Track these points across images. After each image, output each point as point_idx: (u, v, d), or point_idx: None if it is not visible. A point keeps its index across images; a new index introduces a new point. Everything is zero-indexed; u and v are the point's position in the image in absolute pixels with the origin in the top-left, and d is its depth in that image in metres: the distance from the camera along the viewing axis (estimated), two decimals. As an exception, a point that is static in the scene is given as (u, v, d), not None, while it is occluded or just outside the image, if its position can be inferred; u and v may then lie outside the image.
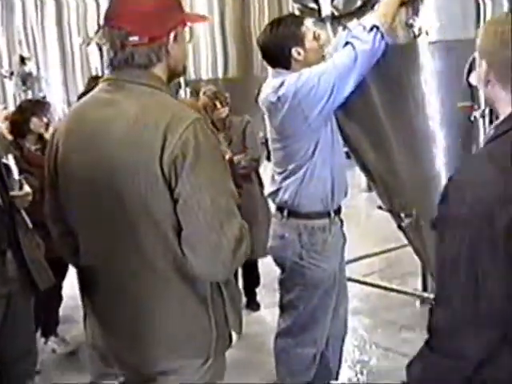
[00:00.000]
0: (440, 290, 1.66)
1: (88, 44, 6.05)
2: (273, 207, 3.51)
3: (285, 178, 3.24)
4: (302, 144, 3.14)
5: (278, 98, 3.09)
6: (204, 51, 5.77)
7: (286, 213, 3.28)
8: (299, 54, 3.13)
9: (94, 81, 4.92)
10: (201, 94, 5.04)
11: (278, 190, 3.29)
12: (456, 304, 1.58)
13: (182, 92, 5.48)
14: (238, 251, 1.89)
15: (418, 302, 5.03)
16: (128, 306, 2.02)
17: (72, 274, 2.56)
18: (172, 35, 1.98)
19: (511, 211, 1.51)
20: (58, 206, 2.13)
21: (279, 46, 3.14)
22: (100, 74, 5.92)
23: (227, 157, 4.74)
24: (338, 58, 3.02)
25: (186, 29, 2.08)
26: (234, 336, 2.15)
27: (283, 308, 3.42)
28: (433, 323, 1.65)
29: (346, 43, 3.01)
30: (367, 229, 7.27)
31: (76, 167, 2.00)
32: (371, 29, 2.95)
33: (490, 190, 1.54)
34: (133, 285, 1.99)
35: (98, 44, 5.84)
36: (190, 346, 2.01)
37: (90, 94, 2.08)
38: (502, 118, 1.71)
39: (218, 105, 4.98)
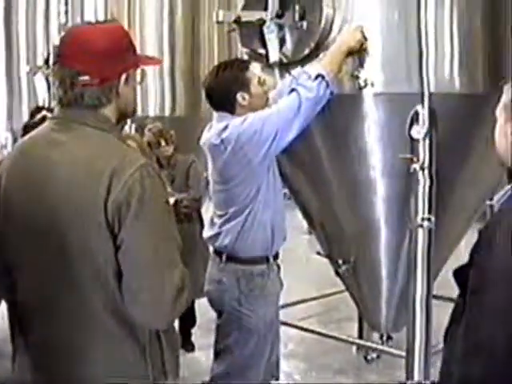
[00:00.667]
0: (479, 335, 1.66)
1: (35, 73, 5.99)
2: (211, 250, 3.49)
3: (225, 222, 3.23)
4: (244, 188, 3.14)
5: (222, 141, 3.10)
6: (152, 88, 5.77)
7: (224, 257, 3.25)
8: (244, 98, 3.14)
9: (38, 111, 4.87)
10: (146, 130, 5.03)
11: (217, 234, 3.27)
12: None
13: (127, 128, 5.44)
14: (179, 301, 1.87)
15: (353, 348, 5.05)
16: (62, 348, 1.96)
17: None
18: (123, 77, 1.96)
19: None
20: None
21: (224, 90, 3.15)
22: (46, 105, 5.86)
23: (172, 200, 4.73)
24: (282, 105, 3.05)
25: (138, 71, 2.08)
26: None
27: (219, 352, 3.38)
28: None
29: (292, 90, 3.05)
30: (307, 272, 7.28)
31: (18, 205, 1.95)
32: (316, 77, 2.99)
33: None
34: (68, 327, 1.94)
35: (45, 74, 5.79)
36: None
37: (37, 131, 2.05)
38: None
39: (163, 142, 4.97)
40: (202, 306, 5.02)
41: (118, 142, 1.97)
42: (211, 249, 3.42)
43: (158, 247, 1.85)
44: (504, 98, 1.85)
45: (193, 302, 5.18)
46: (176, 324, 5.19)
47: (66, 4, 5.91)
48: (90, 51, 1.90)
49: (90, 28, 2.02)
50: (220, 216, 3.26)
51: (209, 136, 3.22)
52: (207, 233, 3.39)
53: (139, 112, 5.56)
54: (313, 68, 3.08)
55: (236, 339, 3.28)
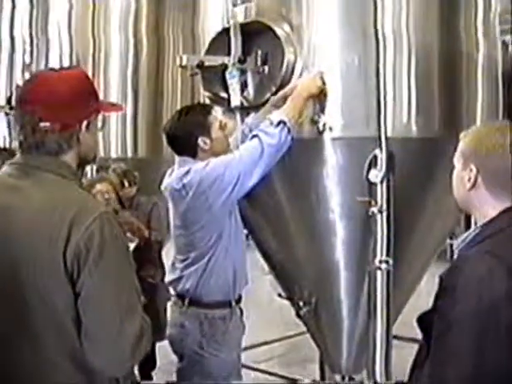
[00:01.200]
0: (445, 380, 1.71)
1: (-4, 113, 5.98)
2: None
3: (187, 267, 3.23)
4: (205, 233, 3.15)
5: (183, 186, 3.11)
6: (114, 130, 5.79)
7: (187, 301, 3.25)
8: (205, 143, 3.18)
9: (-2, 151, 4.89)
10: (110, 170, 5.04)
11: (179, 278, 3.27)
12: None
13: (88, 169, 5.44)
14: (138, 348, 1.88)
15: (316, 390, 5.04)
16: None
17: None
18: (84, 124, 1.99)
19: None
20: None
21: (186, 135, 3.19)
22: (7, 145, 5.85)
23: (132, 246, 4.72)
24: (244, 151, 3.08)
25: (100, 117, 2.11)
26: None
27: None
28: None
29: (253, 136, 3.09)
30: (269, 313, 7.28)
31: None
32: (278, 124, 3.03)
33: (498, 287, 1.66)
34: (25, 374, 1.92)
35: (6, 114, 5.77)
36: None
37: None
38: (485, 219, 1.84)
39: (126, 183, 4.99)
40: (163, 348, 5.00)
41: (78, 190, 1.99)
42: (172, 292, 3.41)
43: (117, 295, 1.86)
44: (460, 146, 1.92)
45: (153, 345, 5.14)
46: (136, 366, 5.17)
47: (31, 44, 5.92)
48: (51, 98, 1.95)
49: (54, 75, 2.05)
50: (181, 260, 3.27)
51: (170, 181, 3.24)
52: (169, 277, 3.39)
53: (101, 153, 5.63)
54: (275, 114, 3.11)
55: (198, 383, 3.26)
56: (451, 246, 2.16)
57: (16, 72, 6.02)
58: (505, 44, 5.91)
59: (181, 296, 3.29)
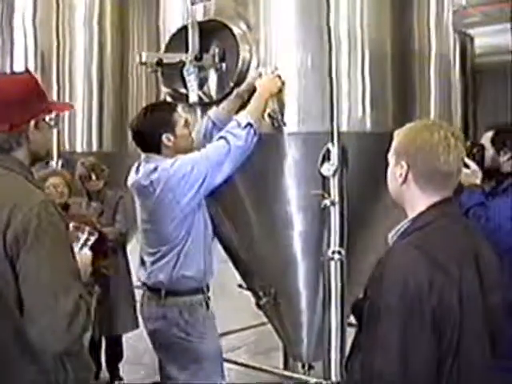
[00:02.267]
0: (373, 364, 1.82)
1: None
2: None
3: (157, 260, 3.30)
4: (175, 227, 3.21)
5: (151, 182, 3.18)
6: (80, 124, 5.83)
7: (163, 293, 3.30)
8: (169, 140, 3.23)
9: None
10: (79, 163, 5.10)
11: (151, 272, 3.33)
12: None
13: (53, 163, 5.48)
14: (72, 324, 1.99)
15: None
16: None
17: None
18: (32, 123, 2.12)
19: (435, 296, 1.77)
20: None
21: (150, 131, 3.25)
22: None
23: (96, 235, 4.76)
24: (211, 151, 3.17)
25: (52, 115, 2.22)
26: None
27: None
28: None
29: (220, 137, 3.17)
30: (235, 304, 7.35)
31: None
32: (246, 126, 3.13)
33: (421, 276, 1.78)
34: None
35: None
36: None
37: None
38: (415, 213, 1.95)
39: (94, 177, 5.04)
40: (130, 340, 5.08)
41: (25, 182, 2.11)
42: (145, 288, 3.45)
43: (52, 274, 1.98)
44: (394, 143, 2.03)
45: (120, 336, 5.21)
46: (103, 359, 5.24)
47: (-5, 41, 5.94)
48: (0, 100, 2.08)
49: (2, 78, 2.25)
50: (151, 254, 3.33)
51: (136, 177, 3.29)
52: (140, 272, 3.45)
53: (67, 147, 5.67)
54: (241, 115, 3.20)
55: (191, 370, 3.32)
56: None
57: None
58: (469, 36, 6.06)
59: (156, 289, 3.34)
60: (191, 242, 3.25)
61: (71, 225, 2.42)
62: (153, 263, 3.32)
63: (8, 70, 5.80)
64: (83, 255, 2.39)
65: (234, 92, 3.39)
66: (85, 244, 2.47)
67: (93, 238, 2.55)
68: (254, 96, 3.28)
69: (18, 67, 5.81)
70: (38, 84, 2.20)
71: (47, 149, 2.27)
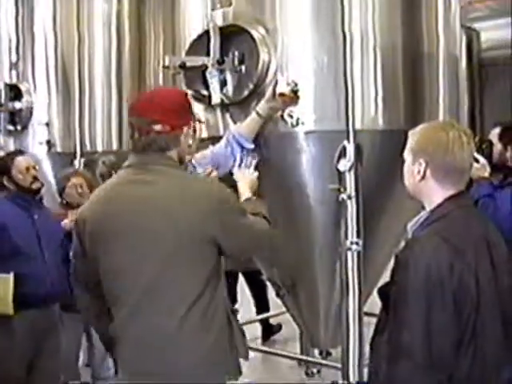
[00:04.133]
0: (400, 341, 2.02)
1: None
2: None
3: None
4: None
5: None
6: (100, 124, 6.03)
7: None
8: None
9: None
10: (100, 162, 5.27)
11: None
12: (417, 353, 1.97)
13: (76, 162, 5.68)
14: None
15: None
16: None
17: None
18: (185, 129, 2.47)
19: (455, 279, 1.96)
20: (87, 271, 2.51)
21: None
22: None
23: None
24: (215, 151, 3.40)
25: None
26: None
27: None
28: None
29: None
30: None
31: (119, 232, 2.40)
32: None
33: (442, 261, 1.97)
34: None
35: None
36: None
37: (117, 178, 2.52)
38: (433, 205, 2.14)
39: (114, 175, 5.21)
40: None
41: (188, 173, 2.70)
42: None
43: (252, 223, 2.56)
44: (409, 143, 2.22)
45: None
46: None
47: (17, 43, 6.12)
48: (164, 106, 2.43)
49: (163, 89, 2.83)
50: None
51: None
52: None
53: (88, 147, 5.86)
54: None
55: None
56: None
57: (3, 71, 6.20)
58: (475, 31, 6.23)
59: None
60: None
61: None
62: None
63: (30, 75, 6.01)
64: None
65: (254, 112, 3.53)
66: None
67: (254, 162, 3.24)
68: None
69: (39, 68, 6.02)
70: (188, 97, 2.63)
71: (189, 154, 2.60)
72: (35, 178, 4.06)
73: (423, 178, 2.15)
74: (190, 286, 2.37)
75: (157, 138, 2.39)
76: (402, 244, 2.24)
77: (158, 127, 2.38)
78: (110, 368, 4.32)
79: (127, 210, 2.39)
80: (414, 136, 2.21)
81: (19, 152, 4.33)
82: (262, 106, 3.48)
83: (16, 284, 3.77)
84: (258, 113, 3.48)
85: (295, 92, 3.48)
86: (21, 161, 4.06)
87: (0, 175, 4.04)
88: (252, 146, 3.43)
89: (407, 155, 2.21)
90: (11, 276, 3.78)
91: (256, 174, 3.22)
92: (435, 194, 2.15)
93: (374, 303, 4.06)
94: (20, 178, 4.01)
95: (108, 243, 2.41)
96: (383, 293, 2.17)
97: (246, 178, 3.11)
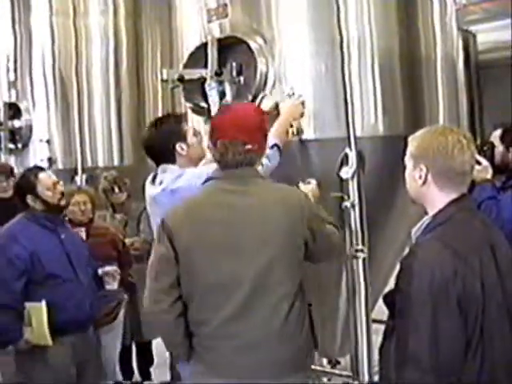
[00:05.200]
0: (407, 347, 2.02)
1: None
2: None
3: None
4: None
5: (178, 188, 3.19)
6: (100, 139, 6.03)
7: None
8: (182, 148, 3.33)
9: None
10: (102, 178, 5.29)
11: None
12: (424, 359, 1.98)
13: (77, 178, 5.68)
14: None
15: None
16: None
17: None
18: (264, 145, 2.87)
19: (459, 284, 1.97)
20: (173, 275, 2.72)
21: (164, 142, 3.34)
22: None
23: (128, 241, 4.94)
24: None
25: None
26: None
27: None
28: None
29: None
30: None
31: (218, 238, 2.68)
32: (272, 147, 3.25)
33: (446, 267, 1.98)
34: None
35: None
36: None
37: (214, 190, 2.79)
38: (435, 210, 2.15)
39: (117, 189, 5.23)
40: (160, 344, 5.24)
41: (274, 183, 2.97)
42: None
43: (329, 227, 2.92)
44: (409, 149, 2.22)
45: (150, 342, 5.40)
46: (134, 364, 5.44)
47: (15, 62, 6.14)
48: (250, 127, 2.78)
49: (241, 107, 3.08)
50: None
51: (159, 186, 3.32)
52: None
53: (89, 163, 5.87)
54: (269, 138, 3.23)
55: None
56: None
57: (2, 89, 6.22)
58: (471, 34, 6.22)
59: None
60: None
61: None
62: None
63: (29, 93, 6.02)
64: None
65: None
66: None
67: None
68: (279, 120, 3.44)
69: (37, 85, 6.03)
70: (261, 110, 3.06)
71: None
72: (62, 194, 3.90)
73: (425, 182, 2.15)
74: (290, 286, 2.68)
75: (247, 155, 2.73)
76: (407, 250, 2.25)
77: (249, 147, 2.73)
78: None
79: (233, 217, 2.69)
80: (413, 141, 2.21)
81: (38, 168, 4.13)
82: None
83: (50, 311, 3.57)
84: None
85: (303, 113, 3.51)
86: (45, 177, 3.88)
87: (22, 193, 3.84)
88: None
89: (408, 161, 2.21)
90: (43, 304, 3.58)
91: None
92: (437, 198, 2.15)
93: (381, 310, 4.07)
94: (48, 194, 3.81)
95: (214, 249, 2.67)
96: (389, 300, 2.17)
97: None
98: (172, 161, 3.36)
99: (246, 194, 2.73)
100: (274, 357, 2.66)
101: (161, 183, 3.35)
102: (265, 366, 2.66)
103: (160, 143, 3.37)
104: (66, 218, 4.39)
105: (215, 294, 2.67)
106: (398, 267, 4.00)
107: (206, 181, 2.86)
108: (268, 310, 2.64)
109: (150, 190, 3.44)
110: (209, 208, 2.74)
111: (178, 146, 3.34)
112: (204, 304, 2.69)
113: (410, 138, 2.24)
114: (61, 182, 4.00)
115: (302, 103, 3.52)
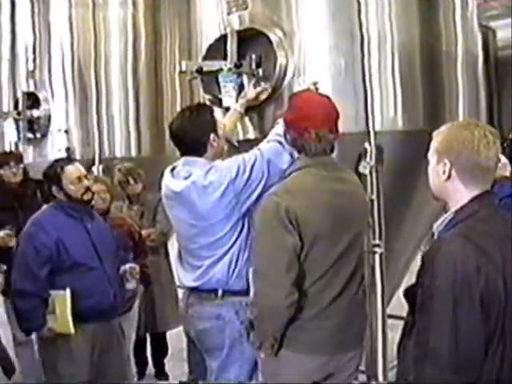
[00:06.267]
0: (427, 344, 2.00)
1: (5, 119, 6.21)
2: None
3: (214, 263, 3.24)
4: (231, 228, 3.18)
5: (211, 183, 3.13)
6: (118, 130, 6.03)
7: (220, 293, 3.26)
8: (215, 140, 3.23)
9: (5, 156, 5.08)
10: (116, 170, 5.27)
11: (205, 274, 3.27)
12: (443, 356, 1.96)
13: (94, 169, 5.69)
14: None
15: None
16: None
17: None
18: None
19: (482, 280, 1.95)
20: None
21: (199, 133, 3.22)
22: (13, 149, 6.07)
23: (144, 232, 4.96)
24: (265, 148, 3.15)
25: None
26: None
27: None
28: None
29: (273, 140, 3.15)
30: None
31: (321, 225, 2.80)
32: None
33: (469, 263, 1.95)
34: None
35: (15, 119, 6.01)
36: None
37: (319, 172, 2.89)
38: (458, 205, 2.11)
39: (132, 181, 5.22)
40: (175, 336, 5.27)
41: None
42: (188, 289, 3.40)
43: None
44: (433, 144, 2.20)
45: (164, 333, 5.41)
46: (149, 354, 5.45)
47: (34, 51, 6.15)
48: (334, 116, 2.89)
49: (318, 97, 3.06)
50: (205, 258, 3.26)
51: (195, 178, 3.20)
52: (190, 275, 3.35)
53: (107, 153, 5.87)
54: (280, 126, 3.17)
55: (239, 372, 3.31)
56: (433, 234, 2.46)
57: (20, 79, 6.24)
58: (491, 29, 6.16)
59: (211, 290, 3.28)
60: (244, 241, 3.21)
61: None
62: (209, 266, 3.25)
63: (47, 83, 6.04)
64: None
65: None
66: None
67: None
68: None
69: (56, 75, 6.05)
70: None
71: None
72: (87, 189, 3.85)
73: (448, 178, 2.12)
74: (361, 263, 2.96)
75: (330, 143, 2.89)
76: (427, 245, 2.23)
77: (332, 136, 2.87)
78: None
79: (344, 202, 2.87)
80: (438, 136, 2.18)
81: (68, 159, 4.09)
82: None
83: (74, 299, 3.59)
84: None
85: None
86: (71, 170, 3.82)
87: (50, 184, 3.85)
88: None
89: (431, 156, 2.18)
90: (68, 292, 3.59)
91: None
92: (460, 194, 2.12)
93: (396, 305, 4.07)
94: (71, 188, 3.79)
95: (335, 237, 2.82)
96: (409, 295, 2.15)
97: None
98: (201, 153, 3.25)
99: (342, 180, 2.95)
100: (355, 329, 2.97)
101: (187, 177, 3.22)
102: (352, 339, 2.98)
103: (195, 133, 3.24)
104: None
105: (327, 277, 2.84)
106: (415, 263, 4.05)
107: (289, 170, 2.97)
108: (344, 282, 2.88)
109: (172, 184, 3.31)
110: (324, 195, 2.85)
111: (212, 137, 3.23)
112: (318, 287, 2.83)
113: (434, 133, 2.21)
114: (88, 176, 3.97)
115: (317, 88, 3.39)
